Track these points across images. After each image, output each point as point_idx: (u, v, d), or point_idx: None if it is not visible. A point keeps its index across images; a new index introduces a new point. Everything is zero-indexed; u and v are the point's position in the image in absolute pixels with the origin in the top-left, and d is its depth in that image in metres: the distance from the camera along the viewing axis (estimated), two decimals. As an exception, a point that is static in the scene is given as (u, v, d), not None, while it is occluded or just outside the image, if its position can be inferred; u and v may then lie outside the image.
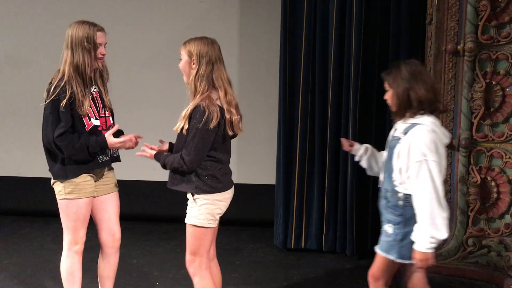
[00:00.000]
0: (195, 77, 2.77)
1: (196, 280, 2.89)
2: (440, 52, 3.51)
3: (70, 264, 3.07)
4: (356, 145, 2.98)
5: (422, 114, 2.57)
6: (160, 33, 5.08)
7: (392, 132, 2.72)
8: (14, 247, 4.66)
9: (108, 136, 2.95)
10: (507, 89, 3.45)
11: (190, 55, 2.79)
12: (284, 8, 4.38)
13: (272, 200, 4.67)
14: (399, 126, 2.65)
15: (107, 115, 3.07)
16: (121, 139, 2.98)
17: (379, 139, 4.35)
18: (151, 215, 5.19)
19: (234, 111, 2.83)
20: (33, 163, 5.18)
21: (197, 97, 2.76)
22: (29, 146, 5.18)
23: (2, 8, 5.37)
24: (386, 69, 4.29)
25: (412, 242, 2.54)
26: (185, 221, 2.85)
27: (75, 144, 2.88)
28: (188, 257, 2.88)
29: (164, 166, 2.84)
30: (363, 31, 4.19)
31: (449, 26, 3.47)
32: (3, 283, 3.87)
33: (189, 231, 2.85)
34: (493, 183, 3.51)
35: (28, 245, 4.72)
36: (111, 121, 3.11)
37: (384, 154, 2.79)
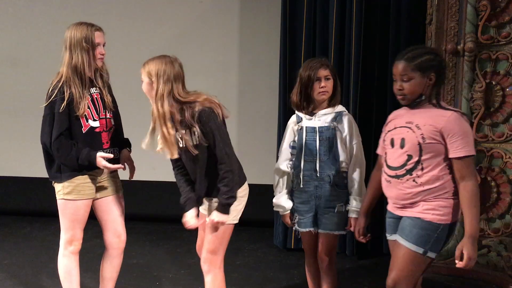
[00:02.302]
0: (155, 98, 2.73)
1: (208, 278, 2.85)
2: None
3: (66, 263, 3.08)
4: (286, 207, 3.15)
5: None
6: (160, 33, 5.08)
7: (311, 124, 2.94)
8: (14, 247, 4.66)
9: (100, 156, 2.92)
10: (507, 89, 3.45)
11: (149, 76, 2.76)
12: (284, 8, 4.38)
13: (272, 200, 4.67)
14: (323, 117, 2.93)
15: (108, 116, 3.07)
16: (108, 165, 2.94)
17: (379, 138, 4.36)
18: (151, 215, 5.19)
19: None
20: (33, 163, 5.17)
21: (160, 122, 2.72)
22: (29, 146, 5.18)
23: (2, 8, 5.37)
24: (386, 70, 4.32)
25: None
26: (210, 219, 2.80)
27: (67, 153, 2.90)
28: (206, 254, 2.85)
29: (230, 202, 2.77)
30: (363, 31, 4.19)
31: (449, 26, 3.47)
32: (3, 283, 3.87)
33: (220, 229, 2.82)
34: (493, 183, 3.51)
35: (28, 245, 4.72)
36: (112, 123, 3.11)
37: (285, 143, 3.06)
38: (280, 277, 4.03)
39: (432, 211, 2.45)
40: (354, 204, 2.94)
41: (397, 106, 4.33)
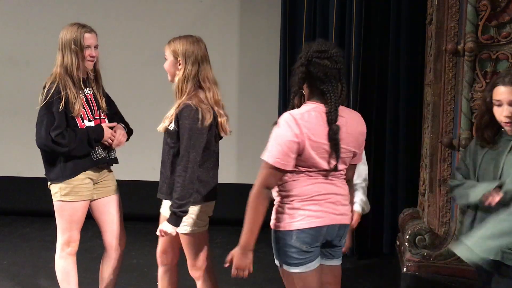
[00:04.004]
0: (181, 78, 2.71)
1: (199, 284, 2.91)
2: (440, 52, 3.51)
3: (64, 265, 3.08)
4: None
5: None
6: (160, 33, 5.06)
7: None
8: (14, 247, 4.66)
9: (106, 126, 2.98)
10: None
11: (175, 55, 2.73)
12: (284, 8, 4.38)
13: (272, 200, 4.67)
14: None
15: (102, 117, 3.06)
16: (114, 136, 3.00)
17: (379, 140, 4.36)
18: (151, 215, 5.16)
19: (221, 111, 2.77)
20: (33, 163, 5.16)
21: (183, 97, 2.69)
22: (29, 146, 5.12)
23: (2, 8, 5.37)
24: (386, 69, 4.32)
25: None
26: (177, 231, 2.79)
27: (74, 137, 2.89)
28: (188, 263, 2.89)
29: (178, 213, 2.67)
30: (363, 31, 4.19)
31: (449, 26, 3.46)
32: (2, 283, 3.87)
33: (181, 239, 2.83)
34: (493, 183, 3.50)
35: (28, 245, 4.72)
36: (107, 123, 3.09)
37: None
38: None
39: (274, 218, 2.40)
40: (360, 198, 2.89)
41: (397, 106, 4.35)
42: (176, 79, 2.74)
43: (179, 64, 2.72)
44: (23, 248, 4.64)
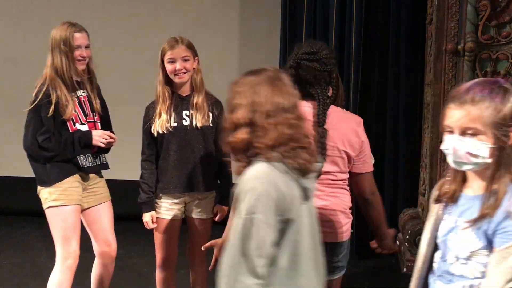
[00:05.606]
0: (197, 70, 2.86)
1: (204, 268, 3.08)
2: (440, 52, 3.51)
3: (61, 279, 2.90)
4: None
5: None
6: (160, 33, 5.06)
7: None
8: (14, 247, 4.66)
9: (96, 135, 2.90)
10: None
11: (196, 53, 2.89)
12: (284, 8, 4.38)
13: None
14: None
15: (96, 120, 2.98)
16: (103, 140, 2.90)
17: (379, 140, 4.36)
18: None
19: None
20: (33, 163, 5.19)
21: (203, 88, 2.85)
22: (29, 146, 5.18)
23: (3, 8, 5.37)
24: (386, 69, 4.32)
25: None
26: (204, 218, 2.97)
27: (59, 141, 2.81)
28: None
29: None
30: (363, 31, 4.19)
31: (449, 26, 3.46)
32: (2, 283, 3.87)
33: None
34: (493, 183, 3.50)
35: (28, 245, 4.72)
36: (100, 127, 3.02)
37: None
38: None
39: None
40: None
41: (397, 107, 4.34)
42: (199, 74, 2.87)
43: (195, 61, 2.87)
44: (23, 248, 4.64)
